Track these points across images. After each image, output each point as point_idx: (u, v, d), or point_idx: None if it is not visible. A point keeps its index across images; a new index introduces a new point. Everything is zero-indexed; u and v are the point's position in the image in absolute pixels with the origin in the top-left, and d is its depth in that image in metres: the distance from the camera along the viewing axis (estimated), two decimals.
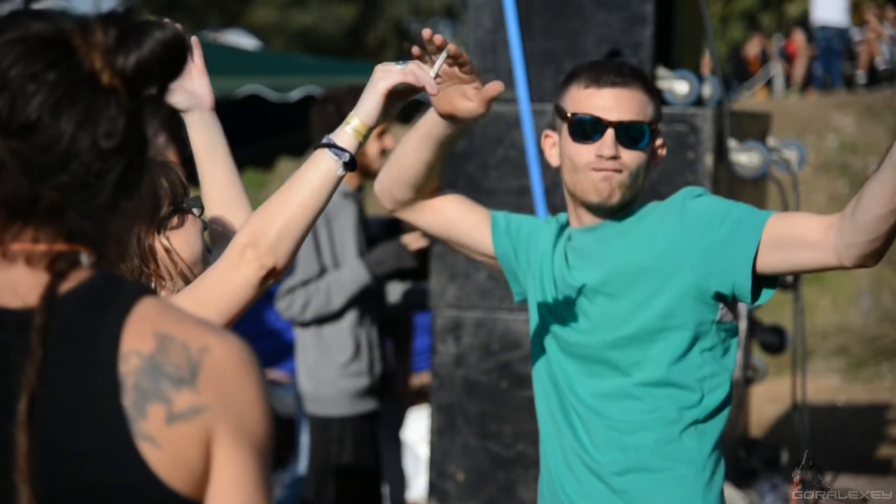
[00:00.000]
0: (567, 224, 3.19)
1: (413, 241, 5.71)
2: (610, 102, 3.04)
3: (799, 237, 2.83)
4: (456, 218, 3.21)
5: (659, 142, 3.12)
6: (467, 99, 2.83)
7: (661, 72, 5.39)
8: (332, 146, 2.49)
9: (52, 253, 1.54)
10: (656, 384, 3.00)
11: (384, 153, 5.70)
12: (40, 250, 1.54)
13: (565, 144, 3.08)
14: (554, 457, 3.11)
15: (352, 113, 2.52)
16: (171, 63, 1.56)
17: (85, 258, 1.56)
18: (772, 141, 5.87)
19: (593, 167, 3.02)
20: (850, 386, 11.20)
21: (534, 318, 3.18)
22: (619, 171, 3.01)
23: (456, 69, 2.76)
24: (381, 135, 5.67)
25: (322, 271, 5.59)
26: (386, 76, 2.52)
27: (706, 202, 2.99)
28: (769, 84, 23.16)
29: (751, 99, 20.80)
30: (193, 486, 1.51)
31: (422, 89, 2.54)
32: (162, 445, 1.50)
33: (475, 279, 5.41)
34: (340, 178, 2.49)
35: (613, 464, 3.01)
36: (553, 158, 3.14)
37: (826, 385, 10.90)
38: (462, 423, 5.37)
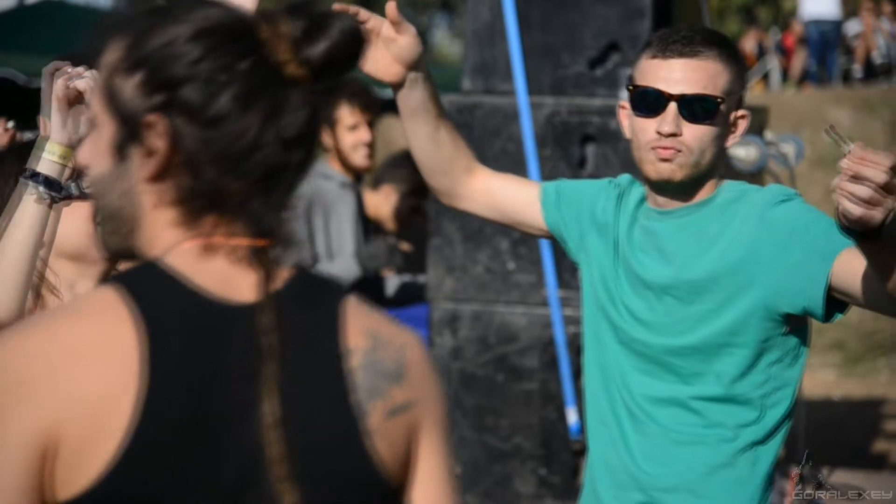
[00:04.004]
0: (630, 185, 3.01)
1: (405, 244, 5.72)
2: (674, 74, 2.83)
3: (863, 283, 2.61)
4: (506, 199, 3.09)
5: (739, 113, 2.88)
6: (392, 41, 2.85)
7: None
8: (31, 175, 2.38)
9: (255, 248, 1.55)
10: (716, 399, 2.83)
11: (369, 146, 5.70)
12: (242, 244, 1.54)
13: (631, 118, 2.89)
14: (596, 448, 2.98)
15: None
16: (353, 53, 1.56)
17: (277, 253, 1.56)
18: (769, 135, 5.88)
19: (653, 145, 2.82)
20: (846, 381, 11.20)
21: (589, 293, 3.01)
22: (678, 150, 2.80)
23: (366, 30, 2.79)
24: (353, 128, 5.65)
25: (315, 261, 5.58)
26: (52, 86, 2.40)
27: (785, 214, 2.77)
28: (766, 78, 23.16)
29: (747, 93, 20.80)
30: (400, 476, 1.57)
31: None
32: (385, 439, 1.55)
33: (472, 272, 5.40)
34: (52, 202, 2.39)
35: (659, 477, 2.86)
36: (626, 130, 2.93)
37: (822, 380, 10.90)
38: (459, 415, 5.36)
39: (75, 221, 2.55)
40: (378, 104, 5.93)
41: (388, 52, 2.87)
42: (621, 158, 5.32)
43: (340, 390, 1.53)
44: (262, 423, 1.48)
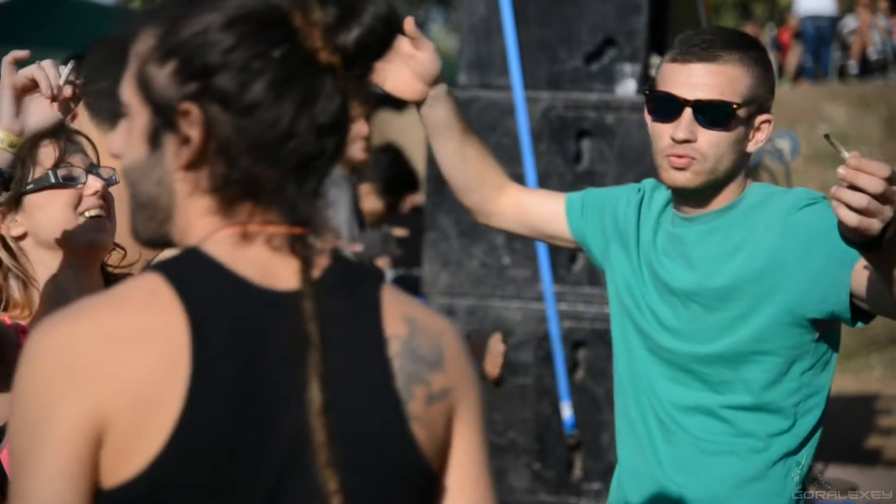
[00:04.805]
0: (654, 190, 2.96)
1: (400, 230, 5.73)
2: (691, 78, 2.75)
3: (874, 290, 2.56)
4: (535, 214, 3.07)
5: (762, 118, 2.81)
6: (412, 58, 2.84)
7: (655, 60, 5.38)
8: None
9: (292, 235, 1.55)
10: (745, 408, 2.77)
11: (366, 139, 5.71)
12: (280, 232, 1.55)
13: (650, 123, 2.82)
14: (625, 457, 2.92)
15: None
16: (385, 40, 1.57)
17: (313, 240, 1.56)
18: None
19: (667, 153, 2.76)
20: (840, 376, 11.18)
21: (615, 302, 2.95)
22: (693, 157, 2.74)
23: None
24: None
25: None
26: (7, 75, 2.40)
27: (807, 219, 2.70)
28: None
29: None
30: (439, 462, 1.59)
31: (43, 89, 2.39)
32: (426, 425, 1.56)
33: (468, 267, 5.40)
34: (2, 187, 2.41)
35: (688, 487, 2.80)
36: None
37: None
38: None
39: (54, 210, 2.55)
40: (375, 98, 5.93)
41: (407, 69, 2.85)
42: (617, 153, 5.33)
43: (382, 377, 1.54)
44: (306, 409, 1.48)
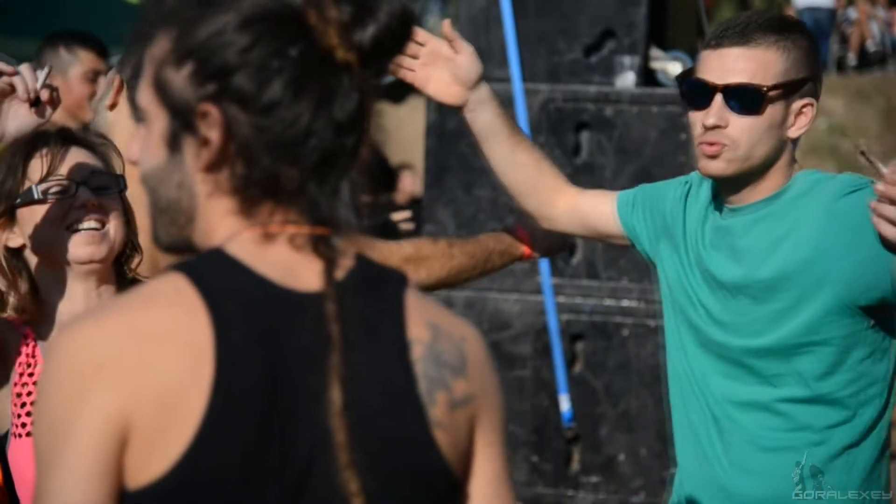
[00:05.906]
0: (701, 181, 2.88)
1: (400, 217, 5.71)
2: (723, 63, 2.68)
3: None
4: (590, 214, 3.03)
5: (802, 102, 2.70)
6: (451, 60, 2.82)
7: (655, 52, 5.37)
8: None
9: (315, 236, 1.54)
10: (801, 401, 2.70)
11: None
12: (302, 233, 1.54)
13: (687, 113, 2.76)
14: (685, 460, 2.87)
15: None
16: (401, 36, 1.56)
17: (336, 241, 1.55)
18: None
19: (699, 141, 2.69)
20: None
21: (667, 298, 2.90)
22: (725, 144, 2.67)
23: (424, 51, 2.78)
24: None
25: None
26: None
27: (852, 206, 2.60)
28: None
29: None
30: (461, 468, 1.58)
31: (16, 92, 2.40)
32: (448, 431, 1.55)
33: None
34: None
35: (749, 486, 2.74)
36: None
37: None
38: None
39: (38, 225, 2.54)
40: (378, 94, 5.92)
41: (448, 72, 2.82)
42: (616, 146, 5.32)
43: (405, 380, 1.53)
44: (328, 410, 1.48)
